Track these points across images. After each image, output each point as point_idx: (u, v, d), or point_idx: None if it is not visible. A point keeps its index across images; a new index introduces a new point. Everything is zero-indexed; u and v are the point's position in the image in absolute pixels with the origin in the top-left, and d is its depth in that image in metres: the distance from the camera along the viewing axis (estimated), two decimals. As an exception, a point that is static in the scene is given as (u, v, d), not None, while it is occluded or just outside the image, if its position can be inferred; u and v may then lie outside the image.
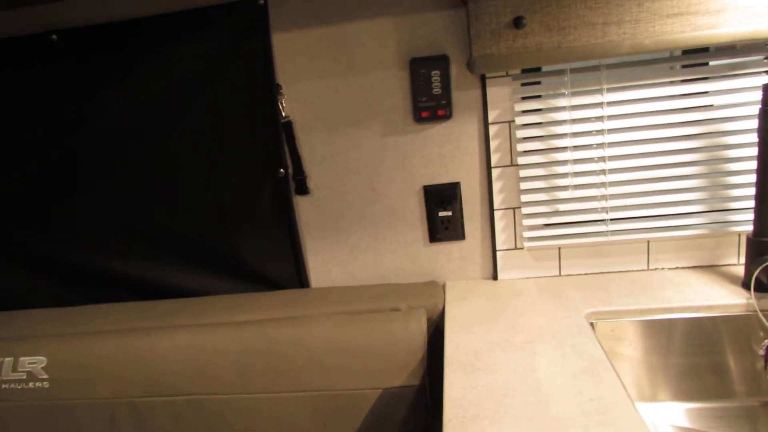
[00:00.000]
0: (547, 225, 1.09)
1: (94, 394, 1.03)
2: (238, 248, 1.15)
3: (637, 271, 1.09)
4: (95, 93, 1.09)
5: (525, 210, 1.07)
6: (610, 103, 1.00)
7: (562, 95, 1.01)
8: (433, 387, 0.99)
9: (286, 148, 1.09)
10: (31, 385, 1.04)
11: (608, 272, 1.10)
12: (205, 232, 1.15)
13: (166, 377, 1.00)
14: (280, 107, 1.07)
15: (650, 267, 1.08)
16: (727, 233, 1.04)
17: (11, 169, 1.16)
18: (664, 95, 0.99)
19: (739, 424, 0.91)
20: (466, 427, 0.68)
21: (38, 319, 1.16)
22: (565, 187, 1.05)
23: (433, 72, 1.01)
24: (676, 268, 1.08)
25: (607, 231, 1.06)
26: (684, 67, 0.99)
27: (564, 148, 1.03)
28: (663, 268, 1.08)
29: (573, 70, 0.99)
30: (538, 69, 1.01)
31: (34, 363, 1.04)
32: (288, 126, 1.08)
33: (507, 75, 1.01)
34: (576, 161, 1.03)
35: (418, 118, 1.05)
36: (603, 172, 1.03)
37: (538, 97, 1.02)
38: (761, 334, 0.92)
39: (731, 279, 1.01)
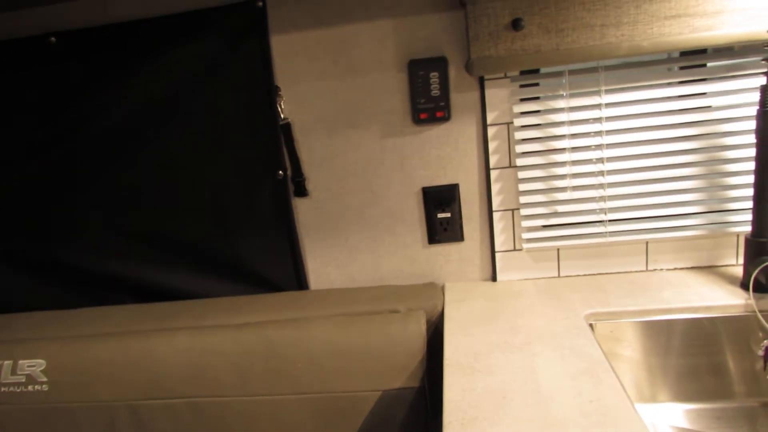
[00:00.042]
0: (545, 226, 1.09)
1: (93, 397, 1.03)
2: (237, 250, 1.15)
3: (636, 272, 1.09)
4: (95, 94, 1.09)
5: (524, 211, 1.08)
6: (608, 105, 1.00)
7: (561, 97, 1.01)
8: (433, 389, 0.99)
9: (285, 150, 1.09)
10: (30, 388, 1.04)
11: (607, 273, 1.10)
12: (204, 234, 1.15)
13: (166, 380, 1.00)
14: (279, 109, 1.07)
15: (649, 268, 1.09)
16: (726, 234, 1.04)
17: (11, 169, 1.16)
18: (663, 96, 0.99)
19: (738, 425, 0.91)
20: (466, 429, 0.68)
21: (37, 322, 1.16)
22: (563, 189, 1.05)
23: (432, 74, 1.01)
24: (675, 268, 1.08)
25: (606, 232, 1.06)
26: (682, 68, 0.99)
27: (562, 150, 1.03)
28: (662, 269, 1.08)
29: (571, 72, 1.00)
30: (536, 71, 1.01)
31: (33, 366, 1.04)
32: (287, 128, 1.08)
33: (505, 77, 1.01)
34: (574, 162, 1.04)
35: (417, 120, 1.05)
36: (601, 173, 1.03)
37: (537, 98, 1.02)
38: (760, 334, 0.92)
39: (730, 279, 1.01)
